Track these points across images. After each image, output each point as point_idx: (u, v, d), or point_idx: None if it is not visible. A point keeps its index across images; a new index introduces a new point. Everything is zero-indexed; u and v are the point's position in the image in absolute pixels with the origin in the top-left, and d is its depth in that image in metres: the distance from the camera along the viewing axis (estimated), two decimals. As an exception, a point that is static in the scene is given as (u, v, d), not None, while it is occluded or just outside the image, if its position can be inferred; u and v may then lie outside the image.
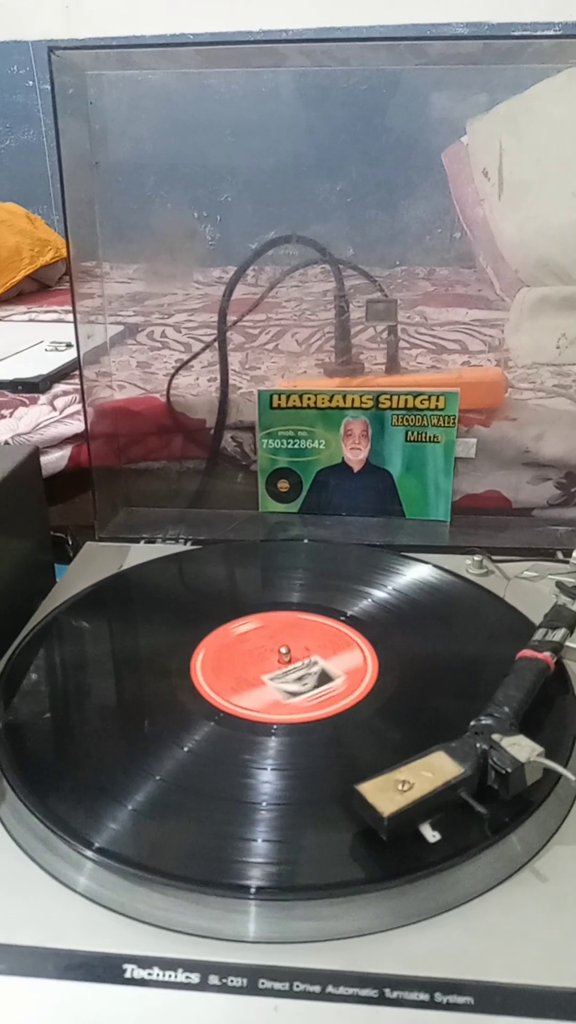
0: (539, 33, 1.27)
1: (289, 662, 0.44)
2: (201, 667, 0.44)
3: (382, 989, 0.29)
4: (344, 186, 1.02)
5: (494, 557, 0.57)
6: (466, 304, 1.07)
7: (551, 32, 1.38)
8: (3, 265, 1.16)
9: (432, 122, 0.90)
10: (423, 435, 0.63)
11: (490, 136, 1.12)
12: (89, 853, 0.33)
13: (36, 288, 1.26)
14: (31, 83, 1.52)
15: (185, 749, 0.39)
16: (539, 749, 0.34)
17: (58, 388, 0.72)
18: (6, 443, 0.63)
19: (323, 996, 0.29)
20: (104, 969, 0.30)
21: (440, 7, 1.40)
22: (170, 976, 0.30)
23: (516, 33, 1.38)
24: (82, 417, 0.63)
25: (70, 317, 0.60)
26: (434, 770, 0.33)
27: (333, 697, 0.42)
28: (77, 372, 0.61)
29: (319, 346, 0.86)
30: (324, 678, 0.43)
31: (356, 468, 0.64)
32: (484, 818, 0.33)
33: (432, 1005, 0.28)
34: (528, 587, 0.54)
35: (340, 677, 0.43)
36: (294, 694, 0.42)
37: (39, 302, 1.18)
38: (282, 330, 0.92)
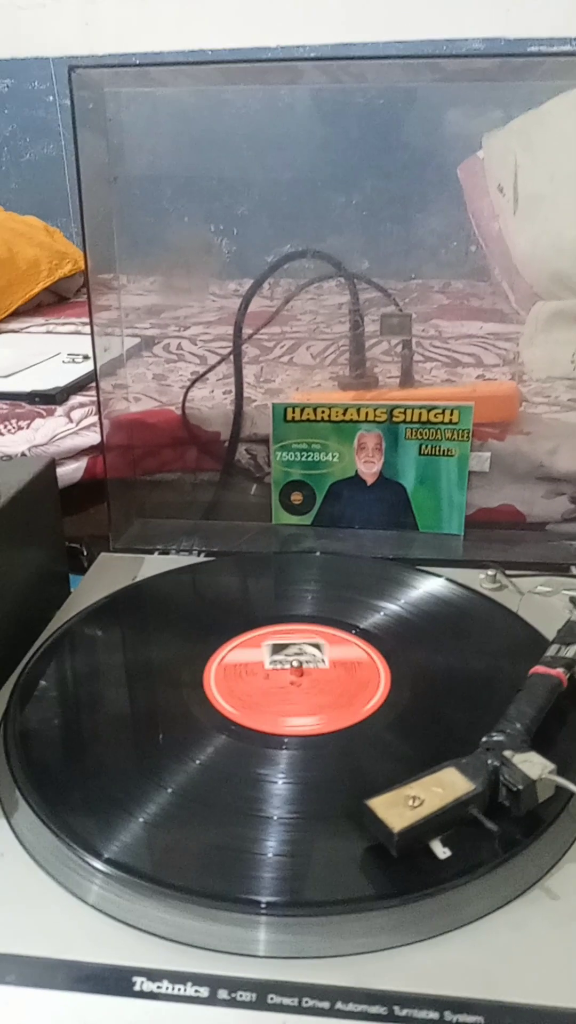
0: (554, 49, 1.28)
1: (301, 675, 0.44)
2: (214, 679, 0.45)
3: (391, 1007, 0.29)
4: (359, 199, 1.02)
5: (508, 572, 0.57)
6: (481, 317, 1.07)
7: (567, 48, 1.39)
8: (22, 278, 1.18)
9: (448, 137, 0.91)
10: (437, 449, 0.63)
11: (505, 150, 1.12)
12: (100, 865, 0.33)
13: (54, 300, 1.27)
14: (51, 98, 1.54)
15: (197, 762, 0.39)
16: (551, 766, 0.34)
17: (75, 400, 0.73)
18: (23, 455, 0.63)
19: (332, 1012, 0.29)
20: (114, 981, 0.30)
21: (456, 24, 1.41)
22: (179, 990, 0.30)
23: (531, 50, 1.39)
24: (98, 429, 0.63)
25: (87, 329, 0.61)
26: (445, 786, 0.33)
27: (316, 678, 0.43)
28: (94, 384, 0.62)
29: (334, 359, 0.86)
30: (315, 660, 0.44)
31: (370, 481, 0.64)
32: (495, 835, 0.33)
33: (442, 1023, 0.28)
34: (542, 602, 0.54)
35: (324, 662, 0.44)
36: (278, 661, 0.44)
37: (57, 314, 1.19)
38: (297, 343, 0.93)
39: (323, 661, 0.46)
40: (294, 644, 0.47)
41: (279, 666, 0.45)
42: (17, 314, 1.17)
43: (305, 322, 0.98)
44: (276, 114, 0.79)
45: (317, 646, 0.47)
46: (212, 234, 1.01)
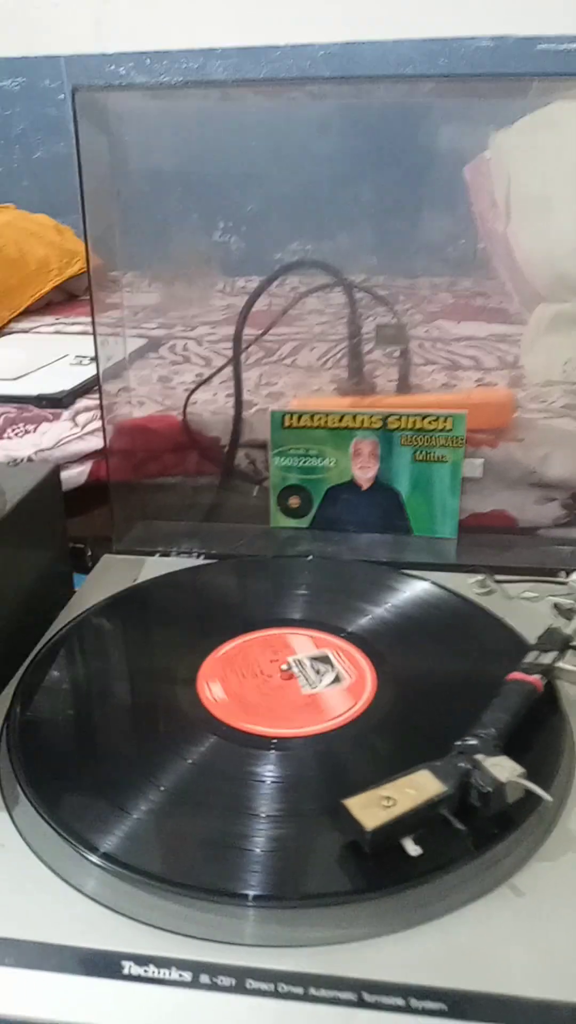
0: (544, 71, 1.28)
1: (290, 678, 0.46)
2: (207, 680, 0.47)
3: (360, 993, 0.31)
4: (368, 196, 1.03)
5: (500, 576, 0.58)
6: (486, 317, 1.08)
7: (575, 46, 1.39)
8: (32, 277, 1.20)
9: (458, 135, 0.92)
10: (431, 455, 0.64)
11: (511, 150, 1.13)
12: (94, 858, 0.35)
13: (64, 298, 1.30)
14: (62, 96, 1.55)
15: (188, 761, 0.41)
16: (520, 770, 0.36)
17: (80, 404, 0.75)
18: (30, 459, 0.66)
19: (305, 998, 0.31)
20: (104, 965, 0.32)
21: (465, 22, 1.41)
22: (164, 974, 0.32)
23: (538, 49, 1.39)
24: (102, 434, 0.65)
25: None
26: (417, 787, 0.35)
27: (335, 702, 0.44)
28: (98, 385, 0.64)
29: (336, 361, 0.88)
30: (336, 680, 0.46)
31: (365, 486, 0.66)
32: (463, 835, 0.35)
33: (407, 1010, 0.30)
34: (529, 607, 0.56)
35: (346, 680, 0.45)
36: (310, 683, 0.45)
37: (66, 312, 1.21)
38: (300, 344, 0.94)
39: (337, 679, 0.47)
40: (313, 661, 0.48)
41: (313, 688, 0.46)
42: (27, 312, 1.19)
43: (310, 323, 1.00)
44: (283, 121, 0.80)
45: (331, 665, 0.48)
46: (217, 238, 1.03)
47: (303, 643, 0.50)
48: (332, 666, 0.47)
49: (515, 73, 0.60)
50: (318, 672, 0.46)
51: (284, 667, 0.47)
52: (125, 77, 1.53)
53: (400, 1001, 0.31)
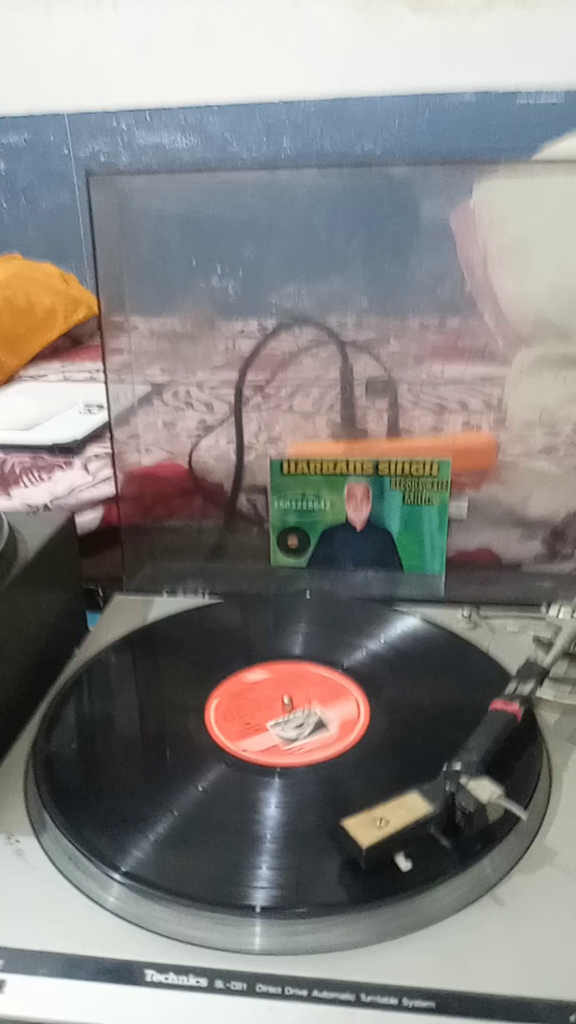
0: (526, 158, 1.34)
1: (291, 710, 0.51)
2: (215, 713, 0.51)
3: (359, 994, 0.35)
4: (358, 240, 1.09)
5: (485, 611, 0.63)
6: (474, 358, 1.12)
7: (554, 100, 1.46)
8: (40, 325, 1.25)
9: (443, 187, 0.98)
10: (419, 497, 0.69)
11: (495, 197, 1.19)
12: (116, 876, 0.39)
13: (69, 344, 1.35)
14: (66, 151, 1.62)
15: (200, 788, 0.45)
16: (499, 791, 0.40)
17: (91, 452, 0.79)
18: (46, 506, 0.70)
19: (309, 999, 0.35)
20: (127, 973, 0.36)
21: (448, 77, 1.49)
22: (182, 980, 0.36)
23: (519, 104, 1.46)
24: (113, 481, 0.70)
25: (102, 376, 0.67)
26: (407, 808, 0.39)
27: (325, 743, 0.48)
28: (109, 435, 0.69)
29: (331, 405, 0.93)
30: (319, 726, 0.49)
31: (359, 527, 0.71)
32: (448, 850, 0.38)
33: (400, 1008, 0.34)
34: (512, 640, 0.60)
35: (333, 724, 0.49)
36: (291, 740, 0.48)
37: (72, 358, 1.27)
38: (296, 389, 0.99)
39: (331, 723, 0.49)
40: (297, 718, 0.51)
41: (294, 744, 0.48)
42: (34, 358, 1.24)
43: (306, 367, 1.05)
44: (279, 190, 0.85)
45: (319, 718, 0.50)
46: (215, 283, 1.08)
47: (306, 677, 0.54)
48: (315, 720, 0.50)
49: (487, 159, 0.65)
50: (299, 726, 0.50)
51: (286, 700, 0.51)
52: (126, 132, 1.61)
53: (394, 1000, 0.34)
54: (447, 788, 0.40)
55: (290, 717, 0.50)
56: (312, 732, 0.49)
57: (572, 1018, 0.33)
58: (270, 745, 0.48)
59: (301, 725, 0.49)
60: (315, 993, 0.35)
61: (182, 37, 1.55)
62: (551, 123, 1.43)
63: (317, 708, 0.51)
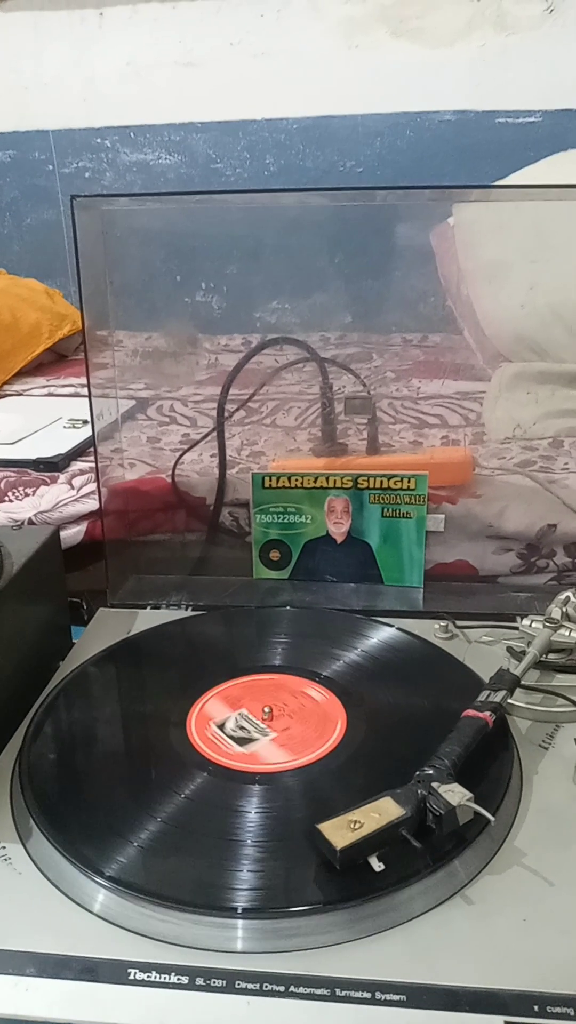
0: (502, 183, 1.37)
1: (271, 719, 0.52)
2: (196, 723, 0.52)
3: (333, 989, 0.36)
4: (341, 259, 1.11)
5: (462, 622, 0.64)
6: (455, 374, 1.15)
7: (532, 119, 1.50)
8: (25, 341, 1.26)
9: (423, 209, 1.00)
10: (397, 511, 0.71)
11: (474, 217, 1.22)
12: (101, 881, 0.41)
13: (53, 359, 1.36)
14: (51, 167, 1.64)
15: (181, 795, 0.46)
16: (468, 795, 0.42)
17: (75, 467, 0.81)
18: (30, 520, 0.72)
19: (286, 994, 0.36)
20: (112, 972, 0.37)
21: (429, 97, 1.52)
22: (165, 978, 0.37)
23: (497, 122, 1.50)
24: (97, 496, 0.71)
25: (85, 391, 0.69)
26: (381, 812, 0.41)
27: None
28: (93, 450, 0.70)
29: (312, 420, 0.95)
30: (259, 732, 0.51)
31: (339, 540, 0.73)
32: (419, 852, 0.40)
33: (372, 1001, 0.36)
34: (486, 650, 0.62)
35: (268, 736, 0.51)
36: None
37: (56, 373, 1.28)
38: (278, 405, 1.01)
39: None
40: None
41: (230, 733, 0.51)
42: (19, 373, 1.26)
43: (288, 381, 1.07)
44: (262, 212, 0.87)
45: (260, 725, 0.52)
46: (199, 298, 1.10)
47: (284, 687, 0.56)
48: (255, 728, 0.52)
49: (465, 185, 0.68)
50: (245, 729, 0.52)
51: (265, 710, 0.52)
52: (111, 149, 1.63)
53: (367, 994, 0.36)
54: (419, 792, 0.42)
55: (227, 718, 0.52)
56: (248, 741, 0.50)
57: (536, 1007, 0.35)
58: (250, 751, 0.49)
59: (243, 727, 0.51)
60: (292, 988, 0.36)
61: (167, 56, 1.57)
62: (530, 141, 1.47)
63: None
